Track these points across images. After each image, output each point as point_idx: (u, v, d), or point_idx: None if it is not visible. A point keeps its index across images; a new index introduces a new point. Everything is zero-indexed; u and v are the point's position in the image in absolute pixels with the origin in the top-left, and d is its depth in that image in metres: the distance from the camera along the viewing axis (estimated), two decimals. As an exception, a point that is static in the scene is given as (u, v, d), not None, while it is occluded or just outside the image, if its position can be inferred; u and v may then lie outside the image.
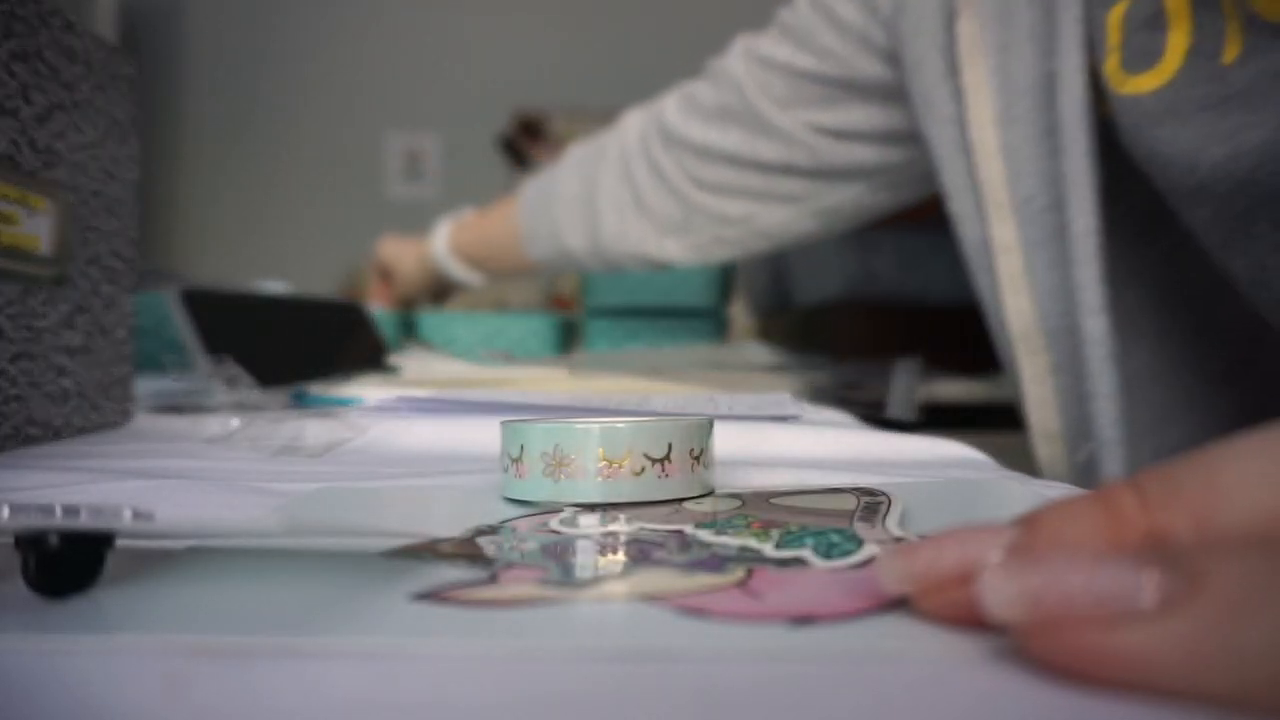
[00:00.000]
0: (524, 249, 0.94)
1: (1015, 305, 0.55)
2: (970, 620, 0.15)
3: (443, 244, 1.01)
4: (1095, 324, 0.50)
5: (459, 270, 1.01)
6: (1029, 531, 0.15)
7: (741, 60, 0.74)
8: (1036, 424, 0.57)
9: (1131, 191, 0.52)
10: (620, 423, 0.26)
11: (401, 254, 1.06)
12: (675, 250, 0.83)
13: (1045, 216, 0.53)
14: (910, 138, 0.64)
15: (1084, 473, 0.54)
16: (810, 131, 0.71)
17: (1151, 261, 0.56)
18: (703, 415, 0.28)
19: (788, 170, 0.73)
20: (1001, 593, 0.14)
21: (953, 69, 0.56)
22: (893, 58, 0.63)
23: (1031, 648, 0.13)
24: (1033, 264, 0.54)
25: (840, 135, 0.70)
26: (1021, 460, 0.38)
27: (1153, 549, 0.14)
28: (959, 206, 0.58)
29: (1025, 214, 0.53)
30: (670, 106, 0.80)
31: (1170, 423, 0.57)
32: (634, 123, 0.84)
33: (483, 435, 0.40)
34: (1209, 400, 0.57)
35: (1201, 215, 0.47)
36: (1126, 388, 0.52)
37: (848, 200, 0.73)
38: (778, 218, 0.77)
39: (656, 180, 0.81)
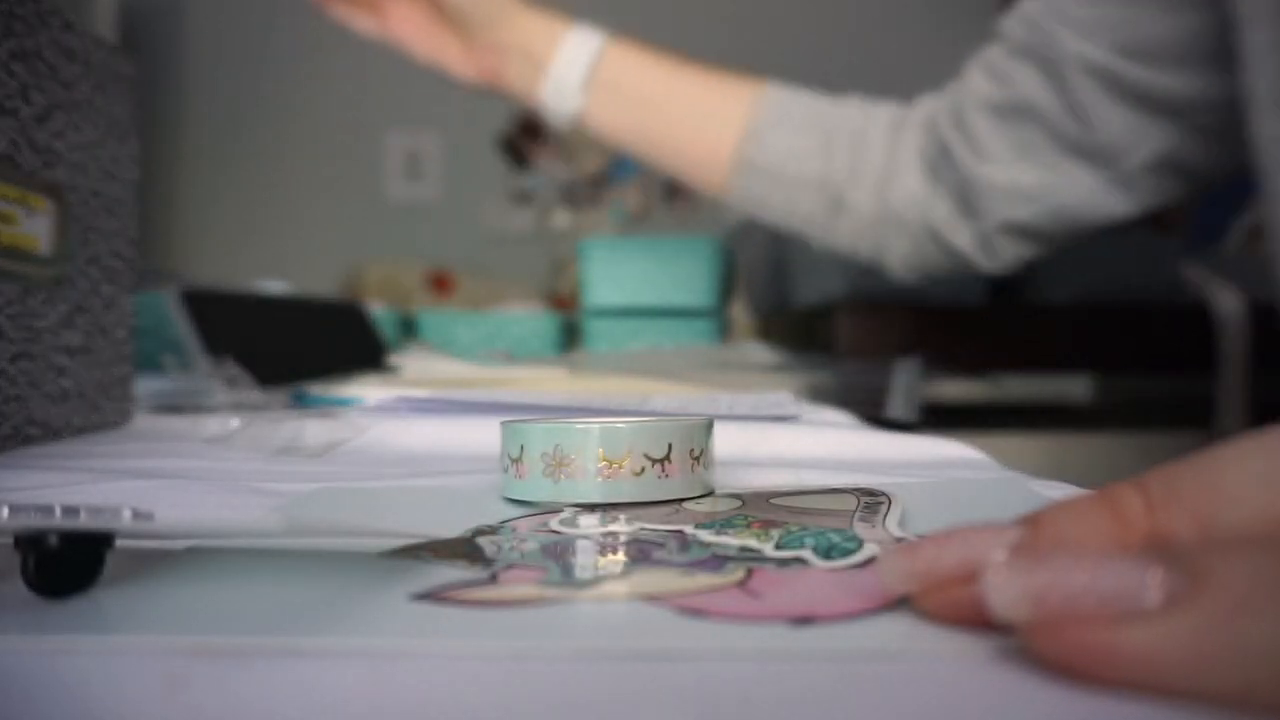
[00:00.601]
0: (734, 138, 0.73)
1: None
2: (972, 620, 0.15)
3: (593, 43, 0.74)
4: None
5: (573, 91, 0.74)
6: (1032, 531, 0.15)
7: None
8: None
9: None
10: (620, 423, 0.26)
11: None
12: (965, 239, 0.71)
13: None
14: (1216, 56, 0.59)
15: None
16: (1113, 54, 0.63)
17: None
18: (703, 415, 0.28)
19: (1087, 114, 0.64)
20: (1005, 591, 0.14)
21: None
22: None
23: (1035, 646, 0.13)
24: None
25: (1144, 56, 0.62)
26: (1022, 460, 0.38)
27: (1156, 549, 0.14)
28: (1263, 85, 0.53)
29: None
30: (962, 79, 0.72)
31: None
32: (927, 100, 0.75)
33: (483, 435, 0.40)
34: None
35: None
36: None
37: (1155, 154, 0.64)
38: (1078, 189, 0.66)
39: (945, 158, 0.71)
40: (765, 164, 0.73)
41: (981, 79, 0.69)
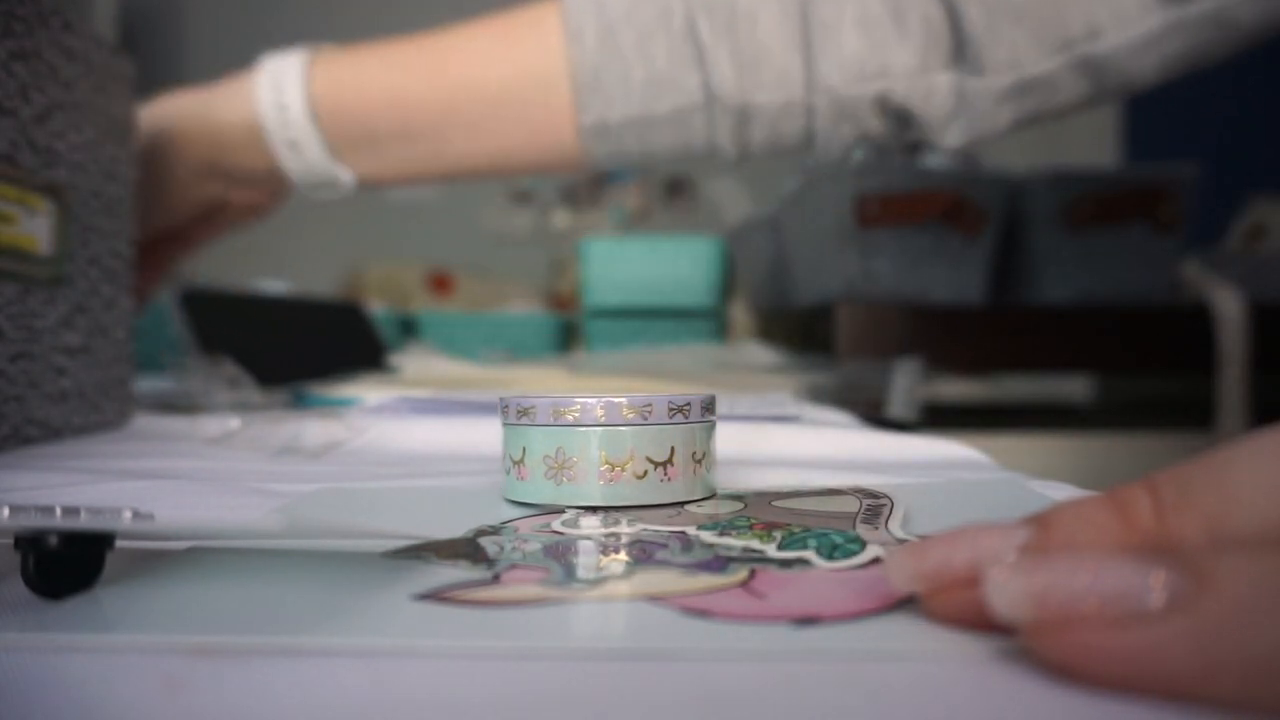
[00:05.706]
0: (567, 96, 0.53)
1: None
2: (979, 622, 0.15)
3: (294, 93, 0.53)
4: None
5: (314, 150, 0.53)
6: (1040, 532, 0.15)
7: None
8: None
9: None
10: (623, 425, 0.26)
11: (187, 132, 0.57)
12: (942, 91, 0.50)
13: None
14: None
15: None
16: None
17: None
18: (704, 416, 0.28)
19: None
20: (1008, 591, 0.14)
21: None
22: None
23: (1037, 647, 0.13)
24: None
25: None
26: (1022, 460, 0.38)
27: (1163, 551, 0.14)
28: None
29: None
30: None
31: None
32: None
33: (483, 435, 0.40)
34: None
35: None
36: None
37: None
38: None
39: None
40: (595, 117, 0.54)
41: None
